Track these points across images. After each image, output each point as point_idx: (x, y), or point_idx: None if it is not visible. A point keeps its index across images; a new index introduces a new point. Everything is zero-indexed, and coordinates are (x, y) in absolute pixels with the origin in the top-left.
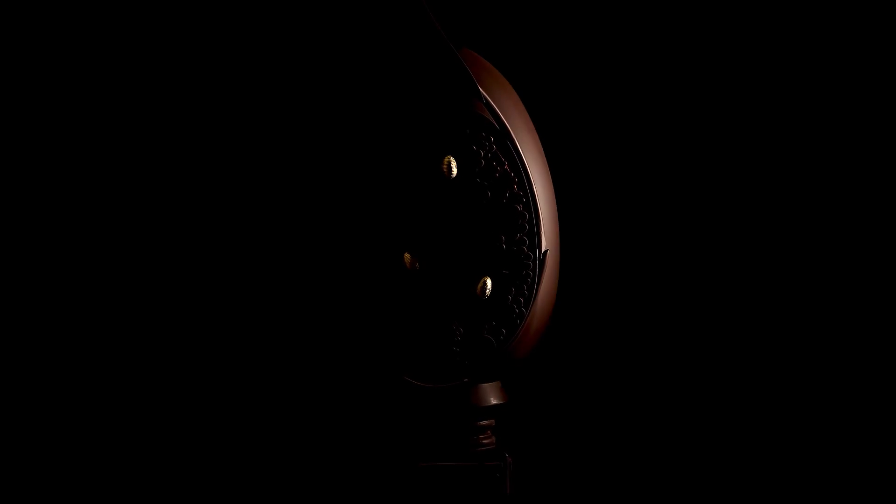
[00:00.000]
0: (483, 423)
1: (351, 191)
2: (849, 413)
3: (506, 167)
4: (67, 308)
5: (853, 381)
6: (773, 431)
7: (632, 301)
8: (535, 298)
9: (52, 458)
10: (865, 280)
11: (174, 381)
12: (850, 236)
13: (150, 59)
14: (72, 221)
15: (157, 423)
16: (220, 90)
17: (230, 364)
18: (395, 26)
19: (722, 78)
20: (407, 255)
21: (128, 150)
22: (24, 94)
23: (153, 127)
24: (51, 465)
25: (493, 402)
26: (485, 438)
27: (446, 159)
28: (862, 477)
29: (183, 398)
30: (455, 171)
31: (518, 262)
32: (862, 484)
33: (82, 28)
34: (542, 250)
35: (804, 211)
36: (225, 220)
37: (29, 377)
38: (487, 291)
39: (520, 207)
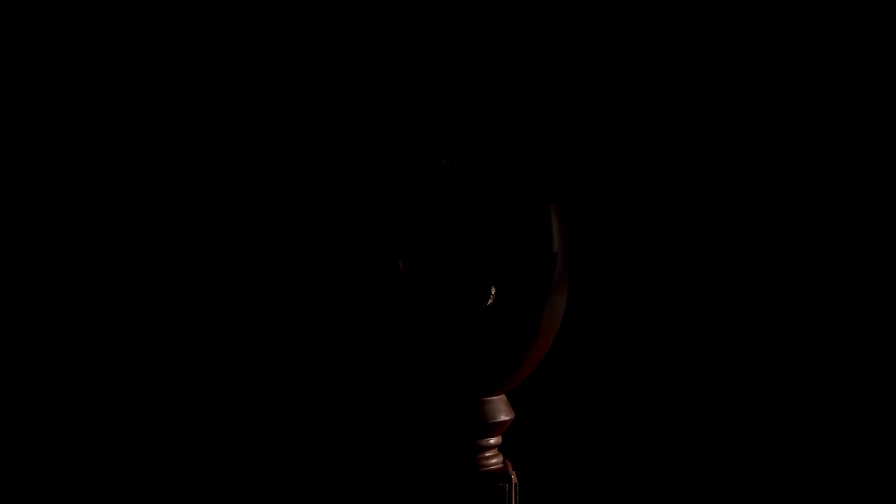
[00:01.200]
0: (489, 441)
1: (345, 189)
2: (862, 424)
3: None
4: (63, 308)
5: (871, 395)
6: (788, 446)
7: (647, 307)
8: (542, 305)
9: (51, 457)
10: (884, 287)
11: (166, 385)
12: (874, 244)
13: (150, 53)
14: (71, 221)
15: (150, 427)
16: (213, 86)
17: (221, 375)
18: (393, 14)
19: (733, 76)
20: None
21: (124, 149)
22: (24, 94)
23: (148, 121)
24: (50, 464)
25: (499, 418)
26: (491, 458)
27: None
28: (862, 477)
29: (174, 403)
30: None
31: (524, 266)
32: (862, 484)
33: (82, 28)
34: (551, 252)
35: (825, 212)
36: (215, 219)
37: (28, 377)
38: (490, 298)
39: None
